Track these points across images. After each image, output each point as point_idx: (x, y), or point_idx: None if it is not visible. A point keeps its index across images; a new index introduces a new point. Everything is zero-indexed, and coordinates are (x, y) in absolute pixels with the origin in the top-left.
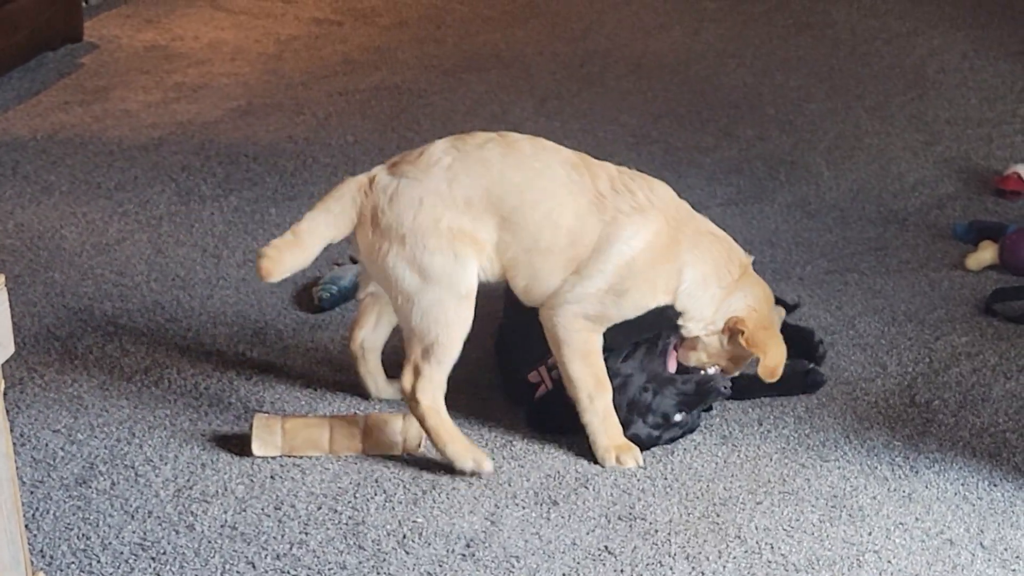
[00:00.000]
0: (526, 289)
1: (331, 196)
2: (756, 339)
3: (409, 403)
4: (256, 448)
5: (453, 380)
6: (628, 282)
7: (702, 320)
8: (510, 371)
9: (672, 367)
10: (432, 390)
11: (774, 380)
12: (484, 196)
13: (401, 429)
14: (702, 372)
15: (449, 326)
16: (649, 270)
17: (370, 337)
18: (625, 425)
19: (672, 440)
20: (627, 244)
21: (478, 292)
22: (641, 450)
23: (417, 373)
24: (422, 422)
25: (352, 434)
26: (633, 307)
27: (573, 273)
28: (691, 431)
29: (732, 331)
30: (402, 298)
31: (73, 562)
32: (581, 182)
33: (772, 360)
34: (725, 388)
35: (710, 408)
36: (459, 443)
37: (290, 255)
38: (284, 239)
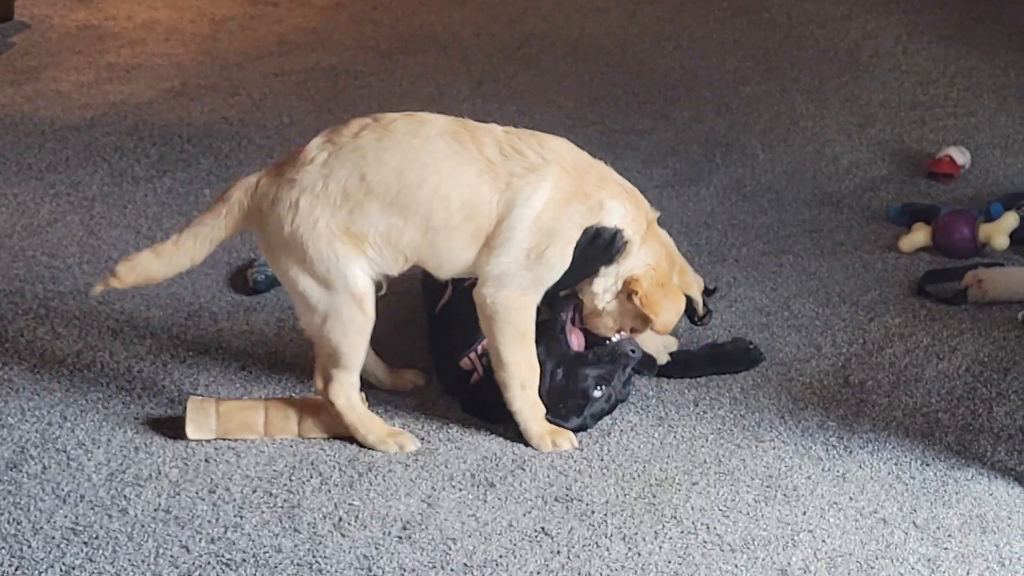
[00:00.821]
0: (438, 268)
1: (219, 199)
2: (649, 300)
3: (324, 403)
4: (190, 431)
5: (389, 362)
6: (543, 241)
7: (601, 283)
8: (441, 358)
9: (576, 344)
10: (344, 391)
11: (667, 333)
12: (361, 185)
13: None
14: (608, 341)
15: (347, 331)
16: (560, 221)
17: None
18: (552, 416)
19: (601, 416)
20: (527, 206)
21: (403, 278)
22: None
23: (327, 377)
24: (340, 420)
25: (287, 416)
26: (560, 263)
27: (484, 247)
28: (620, 402)
29: (628, 292)
30: (299, 304)
31: (3, 547)
32: (465, 151)
33: (663, 320)
34: (633, 352)
35: (643, 374)
36: (379, 432)
37: (156, 264)
38: (159, 248)
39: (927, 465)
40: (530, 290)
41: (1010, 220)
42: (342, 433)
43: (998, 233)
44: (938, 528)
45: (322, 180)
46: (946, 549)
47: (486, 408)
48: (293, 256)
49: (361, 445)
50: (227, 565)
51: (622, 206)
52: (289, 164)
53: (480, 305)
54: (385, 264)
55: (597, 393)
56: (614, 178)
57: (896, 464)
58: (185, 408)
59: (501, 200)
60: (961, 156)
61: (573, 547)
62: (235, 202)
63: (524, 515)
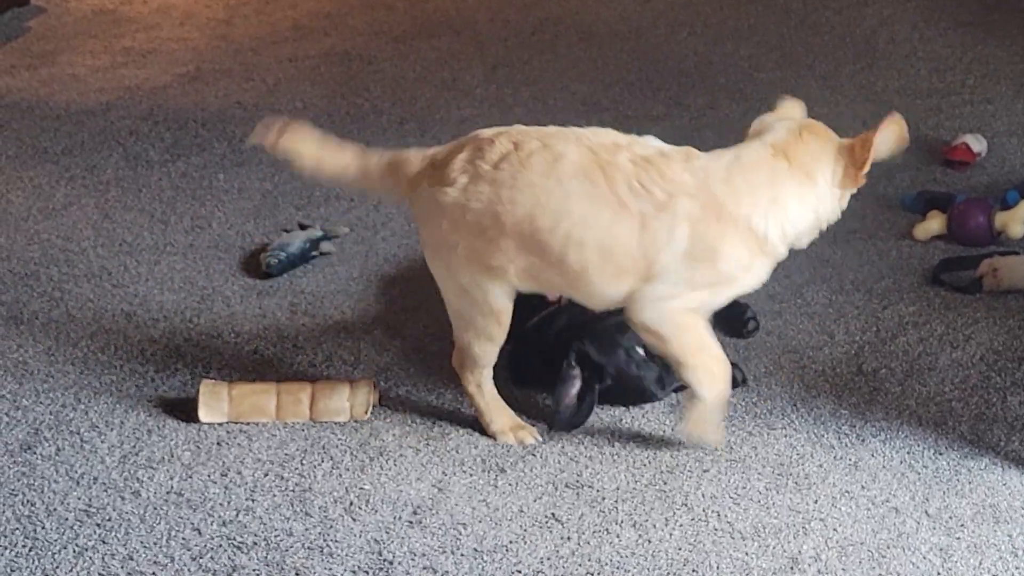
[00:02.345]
0: (588, 300)
1: (389, 154)
2: None
3: (461, 379)
4: (203, 414)
5: (402, 349)
6: (701, 274)
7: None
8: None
9: None
10: (474, 379)
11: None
12: (496, 223)
13: (348, 396)
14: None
15: (479, 338)
16: (713, 240)
17: None
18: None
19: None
20: (669, 248)
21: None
22: None
23: (461, 362)
24: (470, 400)
25: (299, 400)
26: (727, 287)
27: (640, 280)
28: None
29: None
30: (443, 291)
31: (17, 528)
32: (597, 192)
33: None
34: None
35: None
36: (503, 422)
37: (313, 147)
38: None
39: (940, 454)
40: (698, 310)
41: None
42: (355, 416)
43: (1014, 221)
44: (950, 517)
45: (460, 208)
46: (958, 539)
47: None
48: (440, 259)
49: (380, 424)
50: (239, 548)
51: (761, 218)
52: (441, 170)
53: (642, 326)
54: (526, 288)
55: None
56: (736, 179)
57: (909, 453)
58: (198, 391)
59: (641, 243)
60: (977, 144)
61: (583, 533)
62: (394, 166)
63: (535, 501)
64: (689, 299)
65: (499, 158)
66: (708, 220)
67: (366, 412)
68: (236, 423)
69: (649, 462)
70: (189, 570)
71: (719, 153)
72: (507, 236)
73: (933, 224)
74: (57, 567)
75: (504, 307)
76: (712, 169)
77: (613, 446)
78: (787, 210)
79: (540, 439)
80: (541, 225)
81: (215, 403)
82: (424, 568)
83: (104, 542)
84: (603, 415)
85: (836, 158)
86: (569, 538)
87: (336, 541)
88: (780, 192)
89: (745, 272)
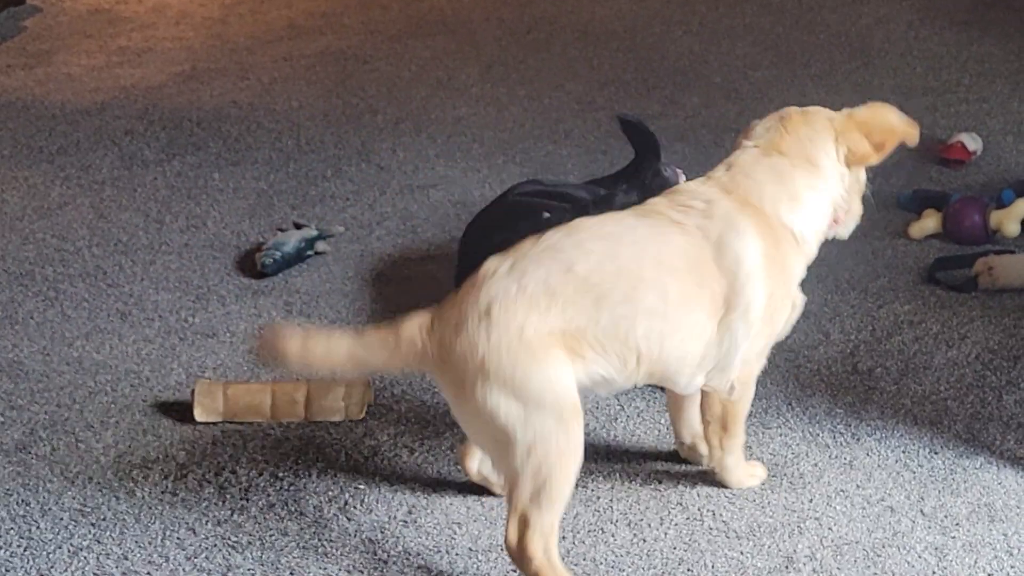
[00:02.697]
0: (680, 364)
1: (388, 330)
2: None
3: (517, 560)
4: (198, 414)
5: None
6: (777, 286)
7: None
8: None
9: None
10: (544, 541)
11: None
12: (568, 278)
13: (344, 396)
14: None
15: (561, 457)
16: (781, 253)
17: (486, 461)
18: None
19: None
20: (746, 252)
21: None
22: None
23: (525, 523)
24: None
25: (294, 400)
26: (788, 305)
27: (721, 321)
28: None
29: None
30: (498, 435)
31: (12, 528)
32: (654, 220)
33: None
34: None
35: None
36: None
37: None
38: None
39: (935, 453)
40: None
41: (1021, 207)
42: (350, 417)
43: (1009, 220)
44: (946, 516)
45: (516, 283)
46: (954, 538)
47: None
48: (494, 380)
49: (375, 424)
50: (233, 548)
51: (789, 214)
52: (464, 294)
53: (718, 396)
54: (611, 367)
55: None
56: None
57: (904, 452)
58: (193, 391)
59: (713, 253)
60: (973, 142)
61: (578, 533)
62: (407, 339)
63: None
64: (768, 336)
65: (535, 240)
66: (758, 220)
67: (361, 412)
68: (231, 423)
69: (644, 462)
70: (184, 570)
71: (712, 172)
72: (587, 289)
73: (928, 223)
74: (52, 567)
75: (578, 406)
76: (718, 180)
77: (608, 445)
78: (805, 203)
79: None
80: (626, 261)
81: (210, 403)
82: (419, 567)
83: (99, 542)
84: (598, 415)
85: (836, 136)
86: (564, 537)
87: (331, 541)
88: (792, 187)
89: (797, 279)
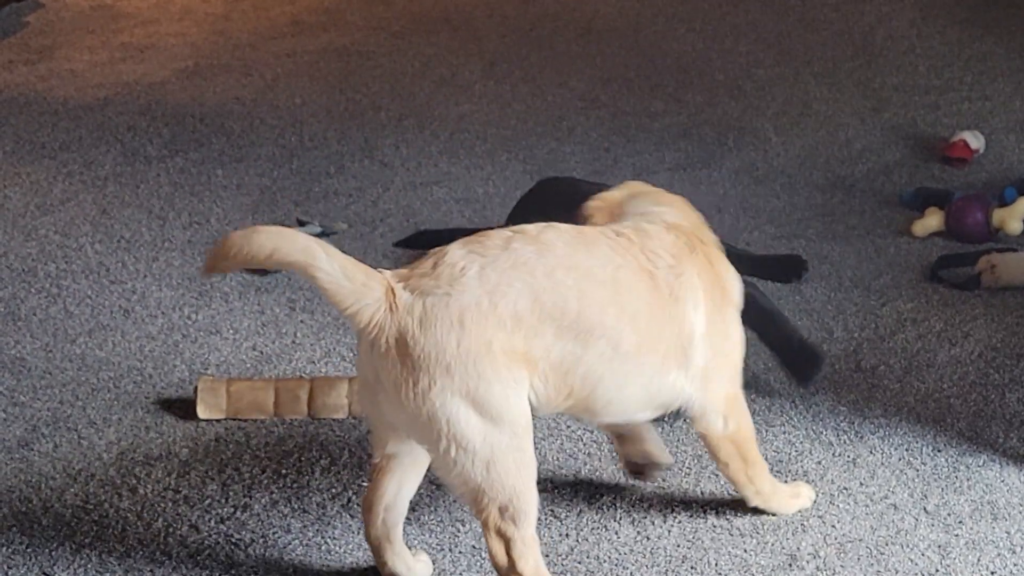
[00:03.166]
0: (606, 406)
1: (365, 271)
2: None
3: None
4: (201, 411)
5: None
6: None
7: None
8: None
9: None
10: (530, 553)
11: None
12: (535, 307)
13: (347, 392)
14: None
15: (520, 469)
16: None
17: (393, 510)
18: None
19: None
20: (696, 311)
21: None
22: None
23: (506, 539)
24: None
25: (298, 397)
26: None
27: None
28: None
29: None
30: (456, 447)
31: (14, 524)
32: (624, 263)
33: None
34: None
35: None
36: None
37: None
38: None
39: (938, 451)
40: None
41: None
42: (354, 413)
43: (1012, 218)
44: (949, 514)
45: (488, 298)
46: (956, 536)
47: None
48: (457, 388)
49: None
50: (236, 545)
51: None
52: (428, 276)
53: (712, 435)
54: (543, 398)
55: None
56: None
57: (907, 450)
58: (196, 388)
59: (673, 312)
60: (975, 140)
61: (582, 530)
62: (374, 297)
63: None
64: (732, 371)
65: (504, 241)
66: (707, 265)
67: None
68: (234, 420)
69: None
70: (186, 567)
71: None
72: (548, 321)
73: (931, 221)
74: (54, 564)
75: (530, 423)
76: (684, 231)
77: (611, 443)
78: None
79: None
80: (592, 300)
81: (213, 400)
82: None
83: (101, 539)
84: None
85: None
86: (567, 535)
87: (334, 538)
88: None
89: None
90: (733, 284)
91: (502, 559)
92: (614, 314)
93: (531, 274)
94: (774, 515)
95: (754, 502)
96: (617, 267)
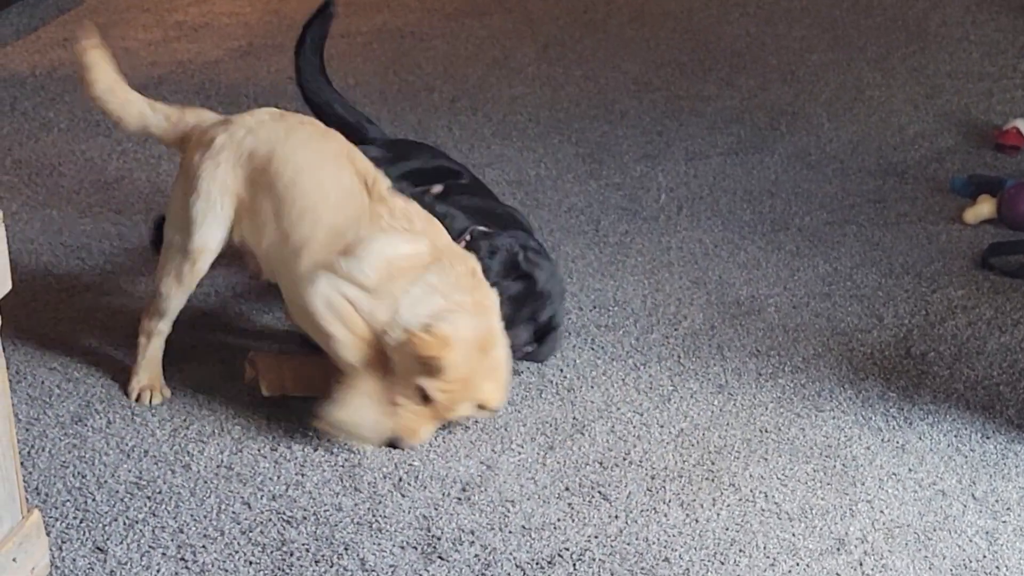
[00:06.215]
0: (287, 289)
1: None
2: None
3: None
4: (264, 388)
5: None
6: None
7: None
8: None
9: None
10: (152, 328)
11: None
12: (264, 161)
13: None
14: None
15: (180, 278)
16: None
17: None
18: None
19: None
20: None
21: None
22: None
23: (148, 312)
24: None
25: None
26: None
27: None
28: None
29: None
30: (167, 223)
31: (68, 500)
32: (355, 191)
33: None
34: None
35: None
36: (150, 377)
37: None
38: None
39: (987, 438)
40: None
41: None
42: None
43: None
44: (997, 501)
45: (246, 130)
46: (1004, 522)
47: None
48: (184, 185)
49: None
50: (288, 522)
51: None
52: (238, 115)
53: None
54: (251, 236)
55: None
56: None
57: (956, 436)
58: (250, 364)
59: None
60: None
61: (631, 512)
62: (181, 129)
63: (583, 479)
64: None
65: (302, 118)
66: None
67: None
68: (291, 396)
69: (697, 442)
70: (239, 543)
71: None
72: (265, 176)
73: (983, 208)
74: (108, 539)
75: (210, 250)
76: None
77: (661, 426)
78: None
79: (165, 398)
80: (302, 185)
81: (276, 378)
82: (472, 544)
83: (154, 515)
84: (651, 394)
85: None
86: (617, 516)
87: (385, 517)
88: None
89: None
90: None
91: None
92: (301, 211)
93: (284, 136)
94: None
95: None
96: (341, 184)
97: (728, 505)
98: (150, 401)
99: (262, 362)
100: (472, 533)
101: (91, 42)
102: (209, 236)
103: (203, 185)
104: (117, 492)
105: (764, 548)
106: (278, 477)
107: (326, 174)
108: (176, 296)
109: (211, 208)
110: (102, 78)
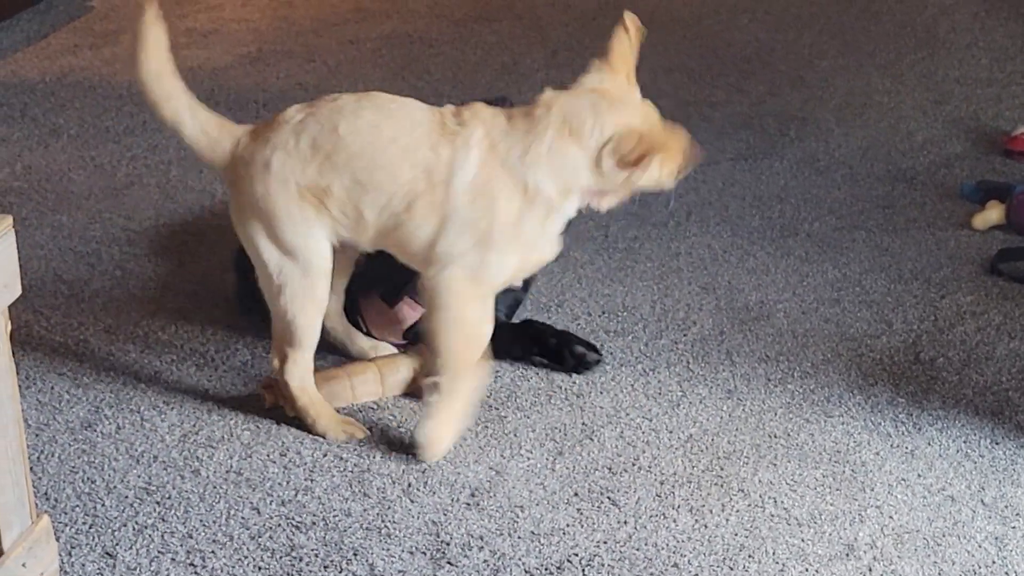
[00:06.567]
0: (400, 245)
1: (221, 122)
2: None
3: (280, 387)
4: (288, 410)
5: None
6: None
7: None
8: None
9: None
10: (299, 372)
11: None
12: (333, 135)
13: (412, 366)
14: None
15: (304, 306)
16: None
17: (335, 304)
18: None
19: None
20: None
21: None
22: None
23: (283, 356)
24: (292, 402)
25: (369, 380)
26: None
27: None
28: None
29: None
30: (260, 273)
31: (78, 505)
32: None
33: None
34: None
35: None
36: (328, 418)
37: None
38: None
39: (996, 443)
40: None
41: None
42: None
43: None
44: (1006, 507)
45: (294, 137)
46: (1014, 528)
47: None
48: (260, 219)
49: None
50: (297, 527)
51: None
52: (266, 126)
53: (430, 287)
54: (349, 227)
55: None
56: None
57: (965, 442)
58: (273, 390)
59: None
60: None
61: (640, 517)
62: (222, 146)
63: (592, 484)
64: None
65: (337, 96)
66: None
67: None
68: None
69: (706, 448)
70: (248, 549)
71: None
72: (343, 147)
73: (992, 214)
74: (117, 544)
75: (326, 263)
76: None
77: (670, 431)
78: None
79: (367, 432)
80: (382, 135)
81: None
82: (481, 550)
83: (164, 520)
84: (660, 400)
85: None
86: (626, 522)
87: (394, 522)
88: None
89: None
90: (540, 179)
91: (276, 367)
92: (393, 154)
93: (339, 111)
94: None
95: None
96: (417, 135)
97: (737, 511)
98: (354, 435)
99: (281, 385)
100: (481, 538)
101: (153, 15)
102: (317, 254)
103: (282, 211)
104: (126, 497)
105: (773, 554)
106: (287, 482)
107: (388, 127)
108: (316, 321)
109: (304, 229)
110: (152, 61)
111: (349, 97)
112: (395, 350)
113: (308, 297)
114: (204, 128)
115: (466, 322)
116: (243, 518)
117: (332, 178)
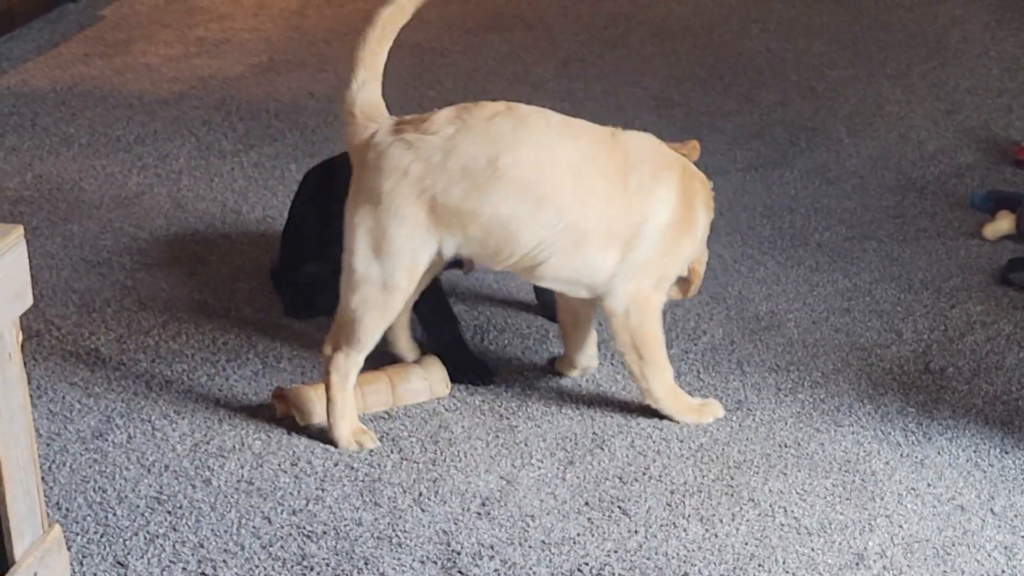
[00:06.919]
0: (544, 268)
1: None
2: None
3: (324, 368)
4: (300, 419)
5: (472, 342)
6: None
7: None
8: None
9: None
10: (345, 368)
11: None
12: (489, 167)
13: (423, 375)
14: None
15: (374, 308)
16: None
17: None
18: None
19: None
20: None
21: None
22: None
23: (336, 346)
24: (327, 390)
25: (379, 390)
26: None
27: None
28: None
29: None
30: (345, 261)
31: (89, 514)
32: (603, 152)
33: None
34: None
35: None
36: (348, 423)
37: None
38: None
39: (1006, 453)
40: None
41: None
42: (436, 395)
43: None
44: (1016, 516)
45: (442, 153)
46: (1023, 537)
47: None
48: (374, 211)
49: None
50: (308, 537)
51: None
52: (412, 126)
53: (612, 318)
54: (481, 252)
55: None
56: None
57: (975, 451)
58: (285, 400)
59: (636, 204)
60: None
61: (651, 527)
62: (363, 125)
63: (602, 494)
64: (657, 275)
65: (491, 114)
66: (687, 186)
67: (446, 388)
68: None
69: (716, 457)
70: (259, 558)
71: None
72: (502, 182)
73: (1002, 224)
74: (128, 553)
75: (412, 280)
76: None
77: (681, 441)
78: None
79: (378, 442)
80: (548, 175)
81: (308, 406)
82: (492, 559)
83: (175, 529)
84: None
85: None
86: (636, 531)
87: (405, 531)
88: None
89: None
90: (700, 216)
91: (327, 354)
92: (568, 192)
93: (497, 141)
94: (684, 422)
95: (647, 400)
96: (585, 157)
97: (747, 520)
98: (364, 445)
99: (293, 395)
100: (492, 548)
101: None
102: (408, 269)
103: (401, 214)
104: (137, 507)
105: (783, 563)
106: (298, 492)
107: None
108: (380, 328)
109: (414, 238)
110: (373, 42)
111: (503, 116)
112: (436, 358)
113: (380, 307)
114: (368, 102)
115: (659, 334)
116: (254, 527)
117: (481, 205)
